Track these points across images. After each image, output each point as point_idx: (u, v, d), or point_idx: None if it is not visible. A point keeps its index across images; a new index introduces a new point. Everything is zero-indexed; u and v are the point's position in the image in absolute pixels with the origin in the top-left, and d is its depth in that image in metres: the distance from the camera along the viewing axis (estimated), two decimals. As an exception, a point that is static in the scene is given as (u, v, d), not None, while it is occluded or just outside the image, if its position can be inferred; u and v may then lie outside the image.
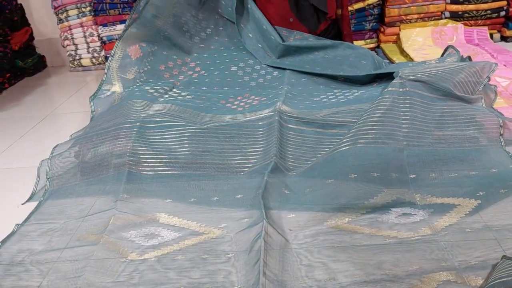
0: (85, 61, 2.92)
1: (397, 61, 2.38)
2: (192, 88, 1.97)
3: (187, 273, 1.10)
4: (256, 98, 1.83)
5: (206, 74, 2.05)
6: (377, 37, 2.79)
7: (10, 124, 2.20)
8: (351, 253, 1.11)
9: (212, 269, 1.10)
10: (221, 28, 2.21)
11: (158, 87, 1.91)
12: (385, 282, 1.01)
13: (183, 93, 1.92)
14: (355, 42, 2.48)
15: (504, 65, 2.13)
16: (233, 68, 2.06)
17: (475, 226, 1.16)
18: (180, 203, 1.37)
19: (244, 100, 1.84)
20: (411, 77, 1.50)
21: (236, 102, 1.83)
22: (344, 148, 1.39)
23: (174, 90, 1.94)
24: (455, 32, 2.56)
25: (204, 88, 1.96)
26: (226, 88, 1.96)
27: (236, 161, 1.49)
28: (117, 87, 1.97)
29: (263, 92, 1.88)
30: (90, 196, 1.44)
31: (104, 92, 1.95)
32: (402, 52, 2.52)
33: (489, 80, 1.65)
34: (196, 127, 1.58)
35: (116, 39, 2.73)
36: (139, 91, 1.87)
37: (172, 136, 1.56)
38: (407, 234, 1.15)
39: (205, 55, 2.15)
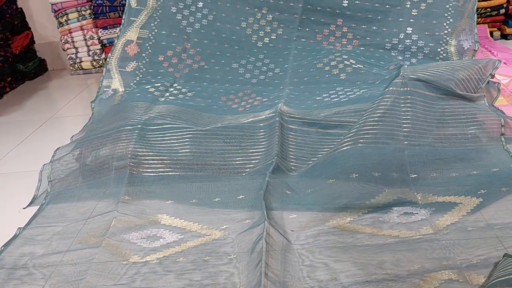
0: (86, 64, 2.92)
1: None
2: (193, 83, 1.98)
3: (189, 275, 1.10)
4: (257, 98, 1.83)
5: (206, 67, 2.05)
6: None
7: (11, 128, 2.20)
8: (352, 253, 1.11)
9: (214, 271, 1.10)
10: (223, 15, 2.19)
11: (158, 84, 1.93)
12: (386, 281, 1.01)
13: (183, 90, 1.92)
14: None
15: (504, 63, 2.13)
16: (234, 65, 2.06)
17: (476, 225, 1.16)
18: (182, 205, 1.37)
19: (245, 97, 1.84)
20: (412, 76, 1.49)
21: (237, 100, 1.84)
22: (345, 148, 1.38)
23: (175, 85, 1.95)
24: (455, 30, 2.56)
25: (205, 83, 1.98)
26: (227, 85, 1.96)
27: (237, 162, 1.50)
28: (117, 81, 2.01)
29: (264, 91, 1.88)
30: (91, 199, 1.44)
31: (105, 90, 1.98)
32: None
33: (492, 77, 1.64)
34: (198, 128, 1.59)
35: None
36: (140, 91, 1.88)
37: (173, 137, 1.57)
38: (408, 233, 1.15)
39: (206, 42, 2.15)
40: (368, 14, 2.12)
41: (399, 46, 2.08)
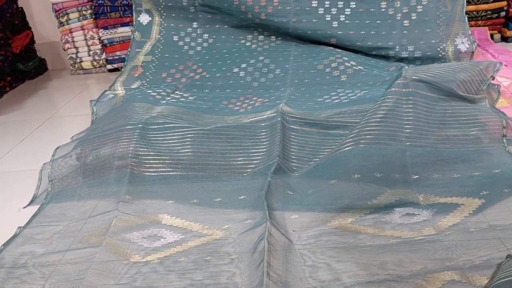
0: (86, 64, 2.92)
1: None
2: (194, 90, 2.00)
3: (190, 274, 1.09)
4: (258, 100, 1.83)
5: (208, 76, 2.08)
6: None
7: (11, 128, 2.19)
8: (354, 253, 1.10)
9: (215, 271, 1.09)
10: (223, 37, 2.27)
11: (160, 90, 1.95)
12: (389, 282, 1.00)
13: (185, 95, 1.93)
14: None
15: (505, 65, 2.13)
16: (235, 70, 2.08)
17: (479, 226, 1.15)
18: (183, 204, 1.36)
19: (246, 101, 1.85)
20: (414, 77, 1.49)
21: (238, 103, 1.84)
22: (346, 148, 1.38)
23: (177, 92, 1.96)
24: (455, 32, 2.56)
25: (207, 90, 1.99)
26: (228, 90, 1.97)
27: (239, 162, 1.49)
28: (119, 92, 2.05)
29: (265, 94, 1.89)
30: (92, 198, 1.44)
31: (107, 95, 2.00)
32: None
33: (493, 79, 1.65)
34: (199, 128, 1.58)
35: (117, 42, 2.79)
36: (141, 94, 1.89)
37: (175, 137, 1.56)
38: (410, 234, 1.15)
39: (207, 57, 2.22)
40: (361, 31, 2.13)
41: (397, 57, 2.09)
